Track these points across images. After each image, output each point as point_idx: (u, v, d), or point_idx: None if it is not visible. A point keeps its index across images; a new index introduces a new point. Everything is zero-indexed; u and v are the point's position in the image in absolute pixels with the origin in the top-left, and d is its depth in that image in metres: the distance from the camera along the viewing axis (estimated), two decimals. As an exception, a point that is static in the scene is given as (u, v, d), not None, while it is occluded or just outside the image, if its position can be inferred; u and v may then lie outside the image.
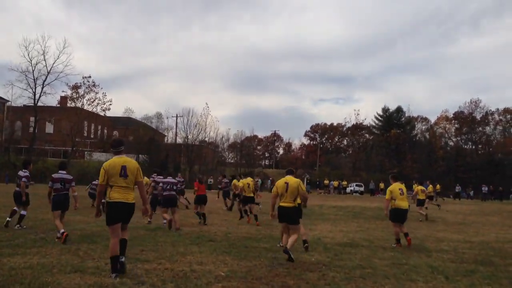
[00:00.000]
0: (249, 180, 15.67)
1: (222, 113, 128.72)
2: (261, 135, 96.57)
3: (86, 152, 67.65)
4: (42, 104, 55.89)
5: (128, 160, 6.85)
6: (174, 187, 12.81)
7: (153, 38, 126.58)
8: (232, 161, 75.26)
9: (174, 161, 61.25)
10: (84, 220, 13.88)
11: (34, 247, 8.59)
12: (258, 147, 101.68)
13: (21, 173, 11.66)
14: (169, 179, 13.11)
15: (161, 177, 13.92)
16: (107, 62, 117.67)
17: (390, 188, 10.58)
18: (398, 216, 10.48)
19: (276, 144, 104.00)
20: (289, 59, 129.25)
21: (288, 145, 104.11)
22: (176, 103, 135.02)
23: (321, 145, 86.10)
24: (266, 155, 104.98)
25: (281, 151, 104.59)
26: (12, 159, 48.85)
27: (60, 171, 9.99)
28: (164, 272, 6.76)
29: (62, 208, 9.85)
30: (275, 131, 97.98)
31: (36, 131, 56.30)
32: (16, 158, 49.95)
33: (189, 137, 61.41)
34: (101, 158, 58.31)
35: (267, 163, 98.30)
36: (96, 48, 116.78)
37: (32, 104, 54.67)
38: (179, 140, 63.71)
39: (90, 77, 59.29)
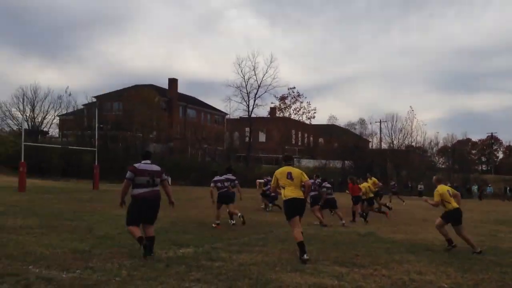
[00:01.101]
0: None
1: (428, 116, 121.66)
2: (475, 138, 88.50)
3: (295, 159, 71.30)
4: (255, 116, 61.05)
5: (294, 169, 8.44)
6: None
7: (353, 45, 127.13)
8: (443, 166, 70.49)
9: (380, 166, 60.14)
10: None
11: (258, 245, 9.34)
12: (473, 151, 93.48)
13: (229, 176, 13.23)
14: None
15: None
16: (310, 73, 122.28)
17: None
18: None
19: (494, 147, 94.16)
20: (503, 53, 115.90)
21: (509, 148, 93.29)
22: (378, 108, 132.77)
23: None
24: (483, 160, 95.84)
25: (500, 155, 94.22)
26: (232, 166, 54.39)
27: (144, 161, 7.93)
28: (381, 278, 6.64)
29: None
30: (491, 133, 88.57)
31: (251, 140, 61.50)
32: (236, 165, 55.47)
33: (394, 142, 59.75)
34: (308, 164, 60.63)
35: (484, 168, 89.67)
36: (299, 60, 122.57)
37: (247, 116, 59.97)
38: (384, 146, 62.47)
39: (294, 88, 62.52)
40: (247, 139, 67.97)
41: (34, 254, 7.50)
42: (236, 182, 13.53)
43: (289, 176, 8.20)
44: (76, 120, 57.57)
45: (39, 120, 52.82)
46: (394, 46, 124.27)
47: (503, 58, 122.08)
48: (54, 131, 62.52)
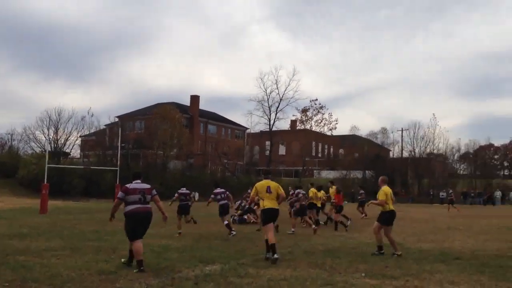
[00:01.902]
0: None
1: (451, 123, 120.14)
2: (498, 143, 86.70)
3: (314, 171, 70.93)
4: (275, 129, 61.03)
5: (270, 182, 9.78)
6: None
7: (374, 55, 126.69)
8: (465, 173, 69.33)
9: (401, 175, 59.48)
10: (324, 235, 14.42)
11: (285, 260, 9.25)
12: (495, 156, 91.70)
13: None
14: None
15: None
16: (331, 84, 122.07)
17: None
18: None
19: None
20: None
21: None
22: (399, 117, 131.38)
23: None
24: (505, 165, 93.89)
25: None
26: (252, 180, 54.34)
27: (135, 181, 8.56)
28: (414, 290, 6.51)
29: None
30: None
31: (271, 153, 61.45)
32: (256, 179, 55.46)
33: (416, 150, 59.10)
34: (328, 175, 60.21)
35: (506, 173, 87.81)
36: (320, 72, 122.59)
37: (268, 130, 60.04)
38: (405, 154, 61.78)
39: (317, 100, 62.26)
40: (267, 152, 68.02)
41: (61, 276, 7.51)
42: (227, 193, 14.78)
43: (268, 189, 9.58)
44: (98, 140, 58.32)
45: (62, 141, 53.53)
46: (415, 53, 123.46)
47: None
48: (76, 152, 63.49)
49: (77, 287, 6.74)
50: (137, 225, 8.16)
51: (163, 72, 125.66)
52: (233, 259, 9.27)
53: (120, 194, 8.29)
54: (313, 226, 15.11)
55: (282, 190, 9.78)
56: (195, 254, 9.98)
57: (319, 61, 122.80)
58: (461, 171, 70.93)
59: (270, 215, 9.49)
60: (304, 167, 61.31)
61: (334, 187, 18.43)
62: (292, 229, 14.91)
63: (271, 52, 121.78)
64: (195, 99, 70.60)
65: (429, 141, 58.30)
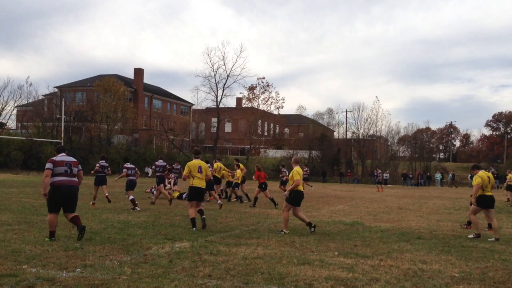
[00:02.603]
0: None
1: (391, 106, 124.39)
2: (434, 127, 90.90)
3: (261, 149, 71.30)
4: (222, 106, 60.46)
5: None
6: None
7: (317, 36, 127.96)
8: (403, 155, 72.21)
9: (346, 156, 60.99)
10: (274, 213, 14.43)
11: (252, 238, 9.13)
12: (432, 140, 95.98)
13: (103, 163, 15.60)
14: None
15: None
16: (275, 63, 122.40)
17: None
18: None
19: (452, 136, 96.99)
20: (462, 44, 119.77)
21: (466, 136, 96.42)
22: (342, 99, 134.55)
23: (508, 135, 77.51)
24: (441, 148, 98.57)
25: (457, 143, 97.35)
26: (200, 157, 53.84)
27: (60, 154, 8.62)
28: (391, 269, 6.57)
29: None
30: (450, 122, 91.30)
31: (218, 130, 60.96)
32: (203, 156, 55.00)
33: (360, 131, 60.66)
34: (276, 154, 60.73)
35: (442, 156, 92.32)
36: (264, 50, 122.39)
37: (214, 106, 59.35)
38: (349, 135, 63.33)
39: (264, 78, 62.08)
40: (213, 129, 67.46)
41: (24, 252, 7.05)
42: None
43: (199, 169, 10.25)
44: (36, 111, 55.48)
45: (-2, 111, 50.49)
46: (358, 37, 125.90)
47: (462, 48, 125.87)
48: (12, 123, 60.21)
49: (44, 264, 6.29)
50: (59, 198, 8.19)
51: (103, 43, 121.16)
52: (200, 237, 9.04)
53: (48, 165, 8.25)
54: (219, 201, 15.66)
55: (209, 171, 11.04)
56: (159, 231, 9.68)
57: (263, 39, 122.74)
58: (400, 153, 73.80)
59: (196, 193, 10.18)
60: (251, 146, 61.25)
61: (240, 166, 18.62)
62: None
63: (214, 28, 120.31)
64: (139, 72, 68.56)
65: (373, 123, 59.93)
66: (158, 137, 62.53)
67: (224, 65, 59.05)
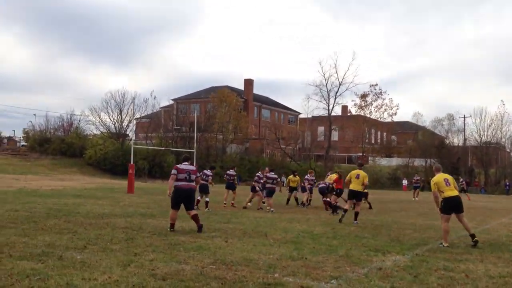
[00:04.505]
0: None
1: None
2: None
3: (369, 157, 69.59)
4: (334, 114, 60.17)
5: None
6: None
7: (419, 39, 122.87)
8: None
9: (465, 164, 57.45)
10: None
11: (463, 253, 8.64)
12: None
13: (207, 172, 16.31)
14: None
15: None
16: (376, 68, 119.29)
17: None
18: None
19: None
20: None
21: None
22: (448, 103, 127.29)
23: None
24: None
25: None
26: (312, 165, 53.77)
27: (184, 163, 10.41)
28: None
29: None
30: None
31: (330, 139, 60.62)
32: (315, 164, 54.96)
33: (483, 138, 56.86)
34: (390, 163, 58.91)
35: None
36: (367, 55, 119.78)
37: (326, 115, 59.13)
38: (471, 142, 59.60)
39: (377, 85, 60.78)
40: (320, 137, 67.20)
41: (255, 260, 7.14)
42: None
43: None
44: (154, 123, 58.76)
45: (126, 124, 54.29)
46: (466, 38, 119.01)
47: None
48: (131, 134, 64.36)
49: (289, 273, 6.28)
50: (180, 198, 10.03)
51: (207, 56, 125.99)
52: (393, 251, 8.70)
53: (173, 170, 10.15)
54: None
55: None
56: (354, 242, 9.48)
57: (367, 44, 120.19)
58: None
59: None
60: (364, 154, 59.98)
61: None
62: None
63: (312, 34, 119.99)
64: (249, 82, 70.36)
65: (497, 129, 55.86)
66: (267, 146, 63.49)
67: (336, 73, 58.80)
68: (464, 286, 5.95)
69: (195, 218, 10.09)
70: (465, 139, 60.06)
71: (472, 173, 54.30)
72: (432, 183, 9.73)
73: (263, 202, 17.47)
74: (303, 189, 19.96)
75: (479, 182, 51.29)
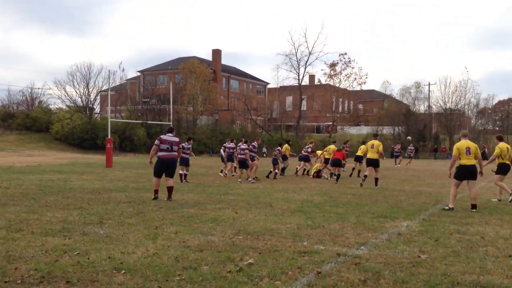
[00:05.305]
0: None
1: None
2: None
3: (338, 126, 70.49)
4: (304, 84, 60.38)
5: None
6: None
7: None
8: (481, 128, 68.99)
9: (430, 131, 59.13)
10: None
11: (468, 217, 9.01)
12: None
13: (185, 145, 15.69)
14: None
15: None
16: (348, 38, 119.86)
17: None
18: None
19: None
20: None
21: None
22: (417, 72, 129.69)
23: None
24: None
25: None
26: (283, 135, 54.08)
27: (168, 134, 10.93)
28: None
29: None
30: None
31: (301, 109, 60.96)
32: (286, 135, 55.23)
33: (447, 105, 58.54)
34: (361, 131, 59.86)
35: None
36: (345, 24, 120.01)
37: (296, 85, 59.27)
38: (435, 109, 61.26)
39: (345, 53, 61.07)
40: (288, 108, 67.50)
41: (282, 231, 7.25)
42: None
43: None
44: (120, 95, 57.45)
45: (93, 97, 52.93)
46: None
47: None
48: (96, 107, 62.75)
49: (316, 241, 6.41)
50: (162, 167, 10.54)
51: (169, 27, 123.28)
52: (400, 216, 8.99)
53: (156, 141, 10.70)
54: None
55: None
56: (361, 209, 9.71)
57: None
58: (478, 126, 70.39)
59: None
60: (334, 123, 60.75)
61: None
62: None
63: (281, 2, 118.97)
64: (217, 53, 69.45)
65: (461, 95, 57.56)
66: (237, 117, 63.36)
67: (306, 42, 58.73)
68: (486, 248, 6.22)
69: (170, 189, 10.60)
70: (429, 106, 61.61)
71: (437, 140, 55.98)
72: (454, 147, 10.09)
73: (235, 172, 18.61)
74: (300, 158, 20.85)
75: (446, 148, 52.90)
